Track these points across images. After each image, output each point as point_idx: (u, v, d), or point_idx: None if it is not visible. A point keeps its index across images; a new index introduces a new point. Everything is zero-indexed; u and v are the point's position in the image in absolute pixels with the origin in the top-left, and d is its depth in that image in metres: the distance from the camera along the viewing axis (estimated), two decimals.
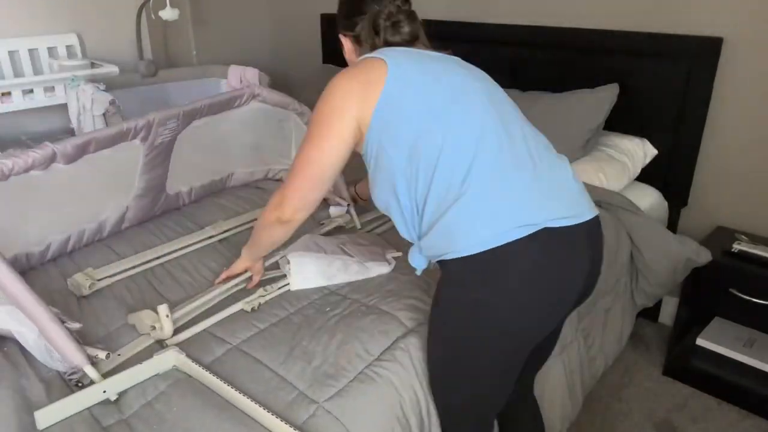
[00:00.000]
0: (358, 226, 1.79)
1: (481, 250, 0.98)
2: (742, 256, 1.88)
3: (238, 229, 1.81)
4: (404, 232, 1.15)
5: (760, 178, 2.00)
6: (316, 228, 1.75)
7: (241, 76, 2.86)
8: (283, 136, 2.01)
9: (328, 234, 1.72)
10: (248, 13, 3.43)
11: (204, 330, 1.32)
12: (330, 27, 3.17)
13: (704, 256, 1.85)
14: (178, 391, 1.14)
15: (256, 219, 1.85)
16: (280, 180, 2.17)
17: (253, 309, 1.38)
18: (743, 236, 1.98)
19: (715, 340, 1.98)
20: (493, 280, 0.99)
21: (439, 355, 1.15)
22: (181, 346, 1.25)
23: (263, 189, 2.11)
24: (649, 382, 2.05)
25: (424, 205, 1.05)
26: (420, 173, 1.04)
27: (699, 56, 1.97)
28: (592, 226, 1.07)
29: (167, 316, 1.26)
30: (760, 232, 2.04)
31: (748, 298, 1.85)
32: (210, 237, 1.75)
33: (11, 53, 2.52)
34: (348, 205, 1.83)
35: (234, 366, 1.21)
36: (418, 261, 1.15)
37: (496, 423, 1.36)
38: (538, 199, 1.01)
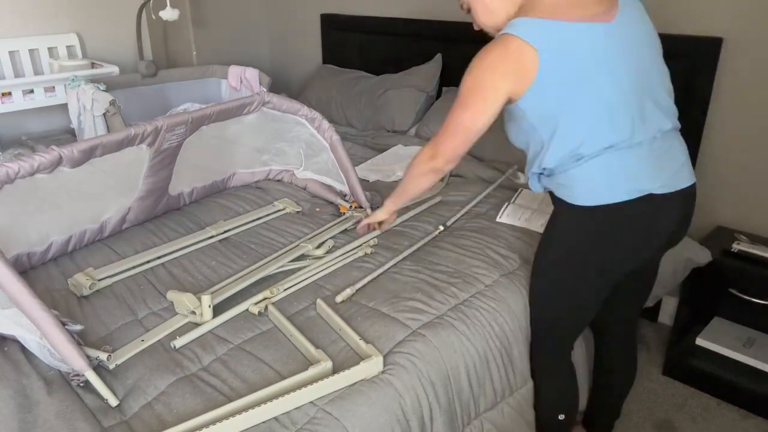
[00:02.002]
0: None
1: (596, 204, 1.21)
2: (742, 256, 1.88)
3: (239, 229, 1.81)
4: (529, 167, 1.32)
5: (760, 178, 2.00)
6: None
7: (241, 76, 2.86)
8: (288, 139, 2.01)
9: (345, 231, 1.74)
10: (248, 13, 3.43)
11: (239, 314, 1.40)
12: (330, 27, 3.17)
13: (704, 256, 1.85)
14: (178, 392, 1.14)
15: (256, 219, 1.87)
16: (280, 180, 2.17)
17: (260, 312, 1.39)
18: (743, 236, 1.98)
19: (715, 340, 1.98)
20: (600, 226, 1.23)
21: (545, 274, 1.38)
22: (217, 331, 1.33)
23: (263, 189, 2.11)
24: (649, 382, 2.05)
25: (552, 158, 1.22)
26: (554, 139, 1.20)
27: (699, 56, 1.97)
28: (689, 192, 1.27)
29: (210, 306, 1.34)
30: (760, 232, 2.04)
31: (747, 298, 1.86)
32: (210, 237, 1.75)
33: (11, 53, 2.52)
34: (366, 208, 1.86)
35: (239, 364, 1.21)
36: (535, 186, 1.35)
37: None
38: (650, 171, 1.20)
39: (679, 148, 1.27)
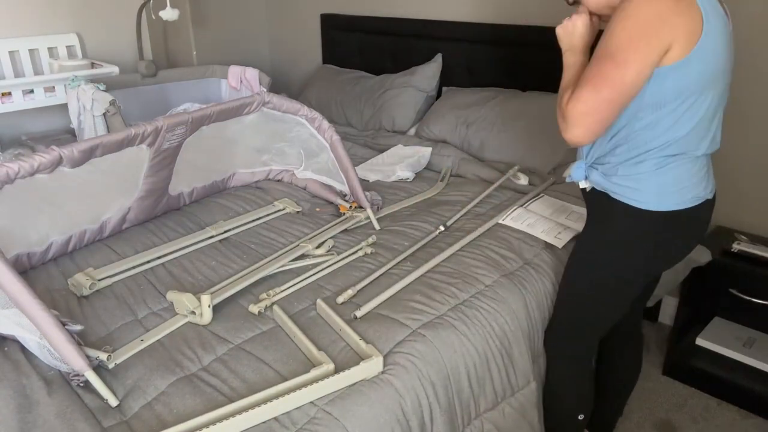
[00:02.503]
0: (377, 228, 1.80)
1: (664, 209, 1.19)
2: (742, 255, 1.88)
3: (239, 229, 1.81)
4: (591, 157, 1.28)
5: (760, 178, 2.00)
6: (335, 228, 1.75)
7: (241, 76, 2.86)
8: (288, 139, 2.01)
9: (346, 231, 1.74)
10: (248, 13, 3.43)
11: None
12: (330, 27, 3.17)
13: (704, 256, 1.85)
14: (178, 392, 1.14)
15: (256, 219, 1.87)
16: (280, 180, 2.17)
17: (260, 312, 1.39)
18: (743, 236, 1.98)
19: (715, 340, 1.98)
20: (664, 231, 1.22)
21: (592, 273, 1.35)
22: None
23: (263, 189, 2.11)
24: (649, 382, 2.05)
25: (642, 145, 1.17)
26: (652, 126, 1.14)
27: None
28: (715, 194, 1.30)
29: (209, 306, 1.34)
30: (760, 232, 2.04)
31: (747, 297, 1.86)
32: (210, 237, 1.75)
33: (11, 53, 2.52)
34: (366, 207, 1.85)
35: (239, 364, 1.21)
36: (578, 175, 1.31)
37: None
38: (707, 178, 1.23)
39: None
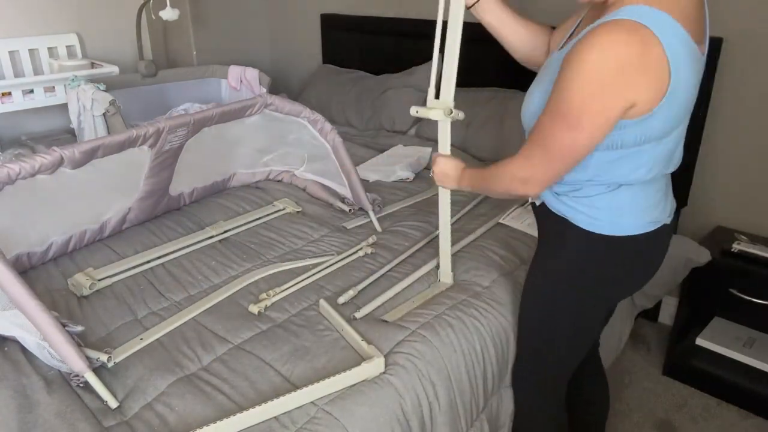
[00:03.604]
0: (379, 230, 1.80)
1: (619, 234, 1.09)
2: (742, 256, 1.88)
3: (239, 229, 1.81)
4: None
5: (760, 178, 2.00)
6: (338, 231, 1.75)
7: (241, 76, 2.86)
8: (289, 140, 2.01)
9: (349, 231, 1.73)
10: (248, 13, 3.43)
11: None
12: (330, 27, 3.17)
13: (704, 256, 1.85)
14: (178, 392, 1.14)
15: (256, 219, 1.87)
16: (280, 181, 2.17)
17: (259, 312, 1.39)
18: (743, 236, 1.98)
19: (715, 340, 1.98)
20: (619, 257, 1.12)
21: (532, 307, 1.27)
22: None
23: (263, 189, 2.11)
24: (649, 382, 2.05)
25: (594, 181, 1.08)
26: (606, 165, 1.04)
27: None
28: (674, 218, 1.21)
29: None
30: (759, 232, 2.04)
31: (747, 298, 1.85)
32: (210, 237, 1.75)
33: (11, 53, 2.52)
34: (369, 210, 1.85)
35: (239, 363, 1.21)
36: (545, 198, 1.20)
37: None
38: (664, 201, 1.13)
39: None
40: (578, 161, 1.01)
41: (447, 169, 1.29)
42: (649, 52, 0.87)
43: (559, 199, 1.14)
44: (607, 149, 1.01)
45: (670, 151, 1.05)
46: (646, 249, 1.13)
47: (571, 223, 1.12)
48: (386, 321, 1.34)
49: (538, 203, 1.21)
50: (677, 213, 2.19)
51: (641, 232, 1.09)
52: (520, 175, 1.07)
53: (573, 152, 0.98)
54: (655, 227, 1.11)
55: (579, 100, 0.91)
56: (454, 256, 1.60)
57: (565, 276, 1.17)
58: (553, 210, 1.15)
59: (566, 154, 0.99)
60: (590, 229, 1.10)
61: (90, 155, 1.46)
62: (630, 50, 0.87)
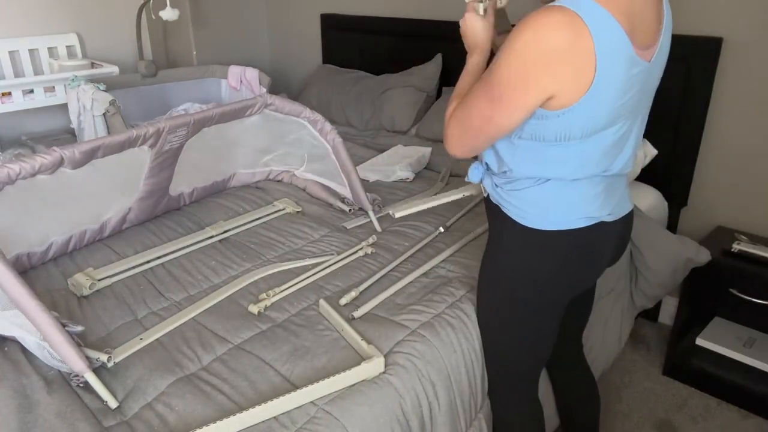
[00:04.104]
0: (379, 230, 1.80)
1: (551, 228, 1.09)
2: (742, 255, 1.88)
3: (239, 229, 1.81)
4: (488, 159, 1.15)
5: (760, 178, 2.00)
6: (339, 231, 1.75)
7: (241, 76, 2.86)
8: (289, 140, 2.01)
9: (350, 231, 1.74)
10: (248, 13, 3.44)
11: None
12: (330, 27, 3.17)
13: (704, 256, 1.85)
14: (178, 392, 1.14)
15: (256, 219, 1.87)
16: (280, 181, 2.17)
17: (259, 312, 1.39)
18: (743, 236, 1.98)
19: (715, 340, 1.98)
20: (550, 251, 1.12)
21: (484, 303, 1.28)
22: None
23: (263, 189, 2.11)
24: (649, 382, 2.05)
25: (523, 168, 1.08)
26: (550, 149, 1.02)
27: (699, 56, 1.97)
28: (628, 217, 1.20)
29: None
30: (760, 232, 2.04)
31: (747, 298, 1.86)
32: (210, 237, 1.75)
33: (11, 53, 2.52)
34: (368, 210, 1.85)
35: (238, 363, 1.21)
36: (473, 176, 1.19)
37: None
38: (602, 199, 1.10)
39: (623, 176, 1.17)
40: (491, 140, 1.03)
41: (478, 29, 1.12)
42: (577, 43, 0.88)
43: (496, 191, 1.15)
44: (531, 140, 1.03)
45: (605, 153, 1.03)
46: (580, 244, 1.11)
47: (507, 215, 1.13)
48: (386, 318, 1.34)
49: (485, 195, 1.22)
50: (677, 213, 2.19)
51: (572, 227, 1.09)
52: (447, 132, 1.08)
53: (488, 126, 1.00)
54: (589, 223, 1.09)
55: (505, 75, 0.94)
56: (454, 255, 1.61)
57: (503, 269, 1.18)
58: (493, 202, 1.17)
59: (482, 126, 1.01)
60: (522, 223, 1.11)
61: (90, 155, 1.46)
62: (560, 36, 0.88)
